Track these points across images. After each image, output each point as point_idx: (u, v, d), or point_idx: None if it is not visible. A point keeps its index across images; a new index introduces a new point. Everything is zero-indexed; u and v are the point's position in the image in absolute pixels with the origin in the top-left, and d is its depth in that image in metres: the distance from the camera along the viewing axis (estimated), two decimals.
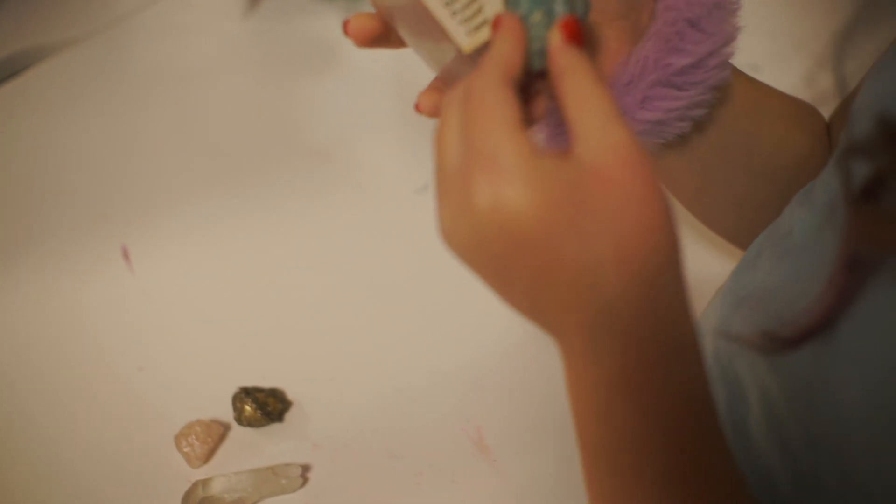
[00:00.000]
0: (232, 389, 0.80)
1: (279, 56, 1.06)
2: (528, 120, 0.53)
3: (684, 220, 0.70)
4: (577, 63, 0.51)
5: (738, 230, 0.74)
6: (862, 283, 0.50)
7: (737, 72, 0.66)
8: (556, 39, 0.52)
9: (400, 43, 0.60)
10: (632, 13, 0.62)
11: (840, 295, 0.50)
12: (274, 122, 1.00)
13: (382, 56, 1.02)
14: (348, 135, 0.99)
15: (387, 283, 0.88)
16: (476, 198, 0.48)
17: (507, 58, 0.52)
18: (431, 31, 0.55)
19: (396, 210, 0.93)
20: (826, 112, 0.74)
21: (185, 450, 0.77)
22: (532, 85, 0.55)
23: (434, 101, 0.60)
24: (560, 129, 0.61)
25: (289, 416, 0.80)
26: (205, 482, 0.75)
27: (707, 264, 0.85)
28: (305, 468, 0.77)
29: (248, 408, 0.78)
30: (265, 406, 0.79)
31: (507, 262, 0.48)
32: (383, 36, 0.60)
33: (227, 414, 0.80)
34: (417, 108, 0.60)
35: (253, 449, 0.78)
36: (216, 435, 0.78)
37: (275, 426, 0.79)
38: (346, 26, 0.59)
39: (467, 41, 0.55)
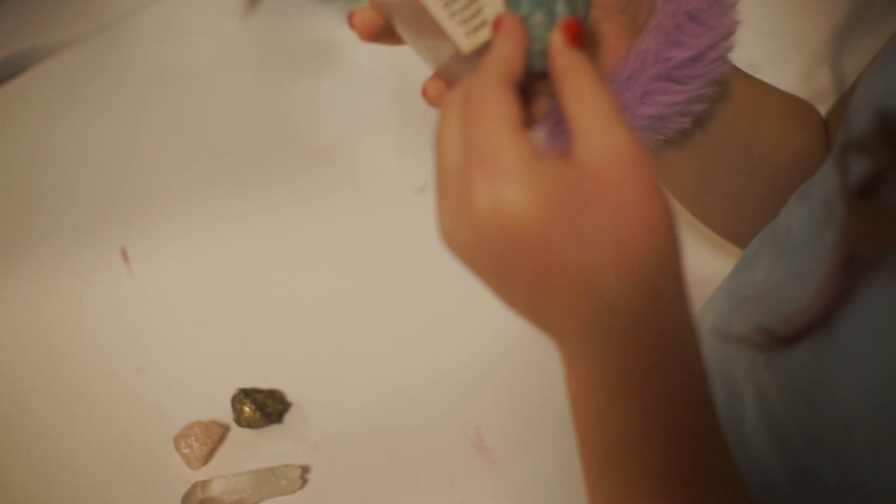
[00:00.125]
0: (231, 390, 0.80)
1: (278, 56, 1.06)
2: (528, 121, 0.53)
3: (684, 219, 0.70)
4: (579, 64, 0.51)
5: (737, 229, 0.74)
6: (859, 281, 0.50)
7: (735, 69, 0.66)
8: (557, 41, 0.52)
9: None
10: (630, 7, 0.62)
11: (838, 292, 0.50)
12: (273, 122, 1.00)
13: (382, 56, 1.02)
14: (348, 135, 0.99)
15: (386, 283, 0.88)
16: (476, 199, 0.48)
17: (507, 59, 0.52)
18: (429, 29, 0.55)
19: (396, 210, 0.93)
20: (823, 110, 0.74)
21: (185, 451, 0.77)
22: (533, 86, 0.55)
23: (440, 89, 0.59)
24: (560, 129, 0.61)
25: (288, 417, 0.80)
26: (204, 483, 0.75)
27: (706, 264, 0.85)
28: (305, 469, 0.77)
29: (247, 409, 0.78)
30: (264, 407, 0.78)
31: (506, 263, 0.48)
32: (388, 30, 0.59)
33: (226, 415, 0.80)
34: (424, 93, 0.60)
35: (252, 450, 0.78)
36: (215, 436, 0.78)
37: (274, 427, 0.79)
38: (350, 18, 0.59)
39: (466, 42, 0.55)
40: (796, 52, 1.01)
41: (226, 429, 0.79)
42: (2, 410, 0.80)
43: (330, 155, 0.97)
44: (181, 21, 1.07)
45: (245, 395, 0.79)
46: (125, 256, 0.89)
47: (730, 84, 0.66)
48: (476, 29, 0.55)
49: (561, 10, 0.54)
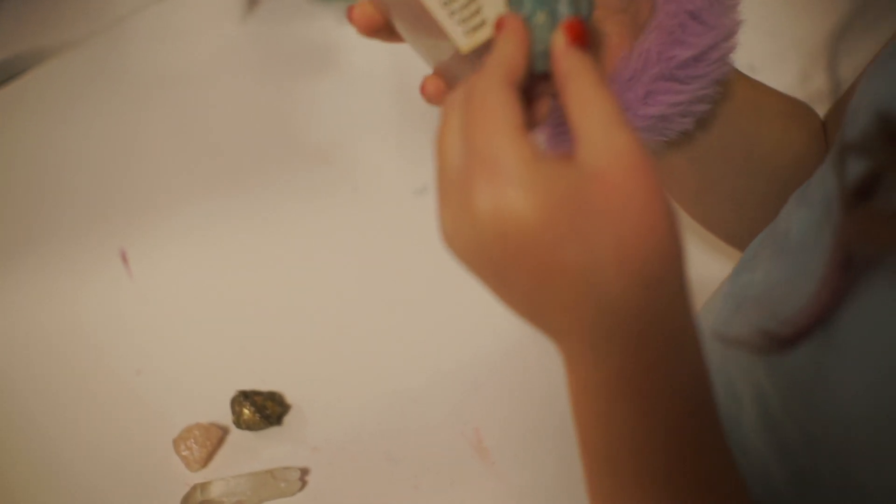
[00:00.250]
0: (230, 393, 0.80)
1: (278, 57, 1.06)
2: (530, 122, 0.52)
3: (683, 222, 0.70)
4: (582, 66, 0.50)
5: (736, 230, 0.74)
6: (857, 282, 0.50)
7: (736, 71, 0.66)
8: (560, 41, 0.52)
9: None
10: (631, 6, 0.62)
11: (835, 292, 0.50)
12: (272, 123, 1.00)
13: (381, 57, 1.02)
14: (347, 136, 0.99)
15: (385, 284, 0.88)
16: (477, 201, 0.48)
17: (509, 59, 0.52)
18: (428, 27, 0.55)
19: (395, 211, 0.93)
20: (820, 112, 0.74)
21: (184, 453, 0.77)
22: (534, 87, 0.55)
23: (438, 87, 0.59)
24: (562, 130, 0.61)
25: (287, 419, 0.80)
26: (203, 486, 0.75)
27: (706, 264, 0.85)
28: (304, 471, 0.77)
29: (246, 411, 0.78)
30: (264, 409, 0.78)
31: (507, 264, 0.48)
32: (387, 26, 0.59)
33: (225, 417, 0.79)
34: (422, 89, 0.60)
35: (251, 452, 0.78)
36: (215, 438, 0.78)
37: (273, 429, 0.79)
38: (350, 13, 0.59)
39: (465, 41, 0.54)
40: (795, 53, 1.01)
41: (225, 431, 0.79)
42: (2, 411, 0.80)
43: (329, 156, 0.97)
44: (181, 22, 1.07)
45: (244, 397, 0.79)
46: (124, 258, 0.89)
47: (730, 84, 0.65)
48: (475, 28, 0.54)
49: (564, 10, 0.53)
